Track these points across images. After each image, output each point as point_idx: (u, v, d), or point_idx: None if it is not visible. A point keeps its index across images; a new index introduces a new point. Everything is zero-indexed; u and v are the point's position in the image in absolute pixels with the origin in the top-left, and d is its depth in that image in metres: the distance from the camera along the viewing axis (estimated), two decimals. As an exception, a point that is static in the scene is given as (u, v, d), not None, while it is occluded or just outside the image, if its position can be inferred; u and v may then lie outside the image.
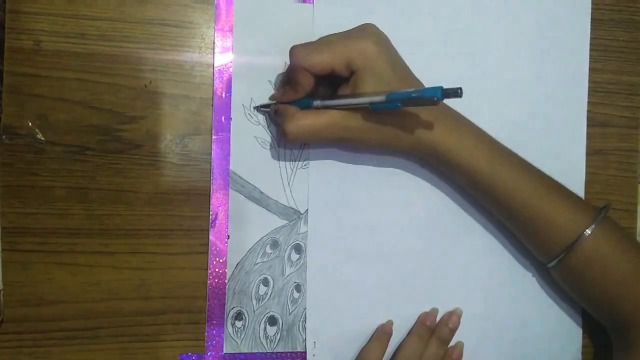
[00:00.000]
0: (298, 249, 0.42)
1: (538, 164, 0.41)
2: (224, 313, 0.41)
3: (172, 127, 0.41)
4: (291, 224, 0.42)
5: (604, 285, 0.39)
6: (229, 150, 0.41)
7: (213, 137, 0.41)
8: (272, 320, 0.42)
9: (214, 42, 0.41)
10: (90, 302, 0.40)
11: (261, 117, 0.42)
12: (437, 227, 0.44)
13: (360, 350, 0.43)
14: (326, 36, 0.38)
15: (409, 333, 0.43)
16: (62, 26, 0.39)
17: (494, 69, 0.45)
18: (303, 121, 0.37)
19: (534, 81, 0.45)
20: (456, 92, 0.33)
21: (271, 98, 0.41)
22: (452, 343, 0.44)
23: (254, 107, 0.41)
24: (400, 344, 0.43)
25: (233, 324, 0.42)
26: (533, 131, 0.45)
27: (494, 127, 0.41)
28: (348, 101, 0.36)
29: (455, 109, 0.40)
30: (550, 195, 0.39)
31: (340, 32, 0.38)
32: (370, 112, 0.36)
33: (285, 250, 0.42)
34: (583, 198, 0.45)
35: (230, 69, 0.41)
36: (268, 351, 0.42)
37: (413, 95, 0.34)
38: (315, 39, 0.38)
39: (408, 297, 0.44)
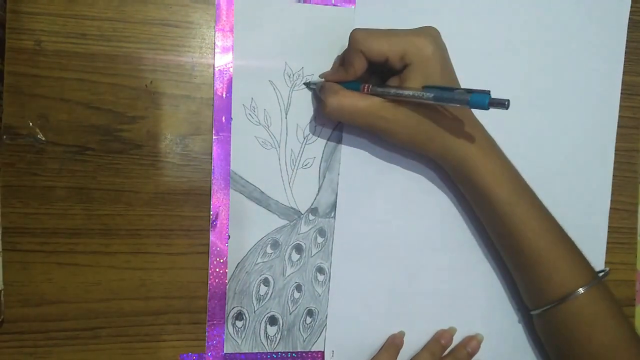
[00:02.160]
0: (299, 249, 0.42)
1: (563, 167, 0.41)
2: (224, 313, 0.41)
3: (173, 127, 0.41)
4: (292, 224, 0.42)
5: (584, 349, 0.38)
6: (230, 151, 0.41)
7: (213, 137, 0.41)
8: (273, 320, 0.42)
9: (214, 42, 0.41)
10: (90, 302, 0.40)
11: (261, 117, 0.42)
12: (464, 244, 0.44)
13: None
14: (389, 29, 0.38)
15: (422, 349, 0.43)
16: (63, 26, 0.39)
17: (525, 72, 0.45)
18: (345, 99, 0.38)
19: (563, 83, 0.46)
20: (502, 104, 0.32)
21: (321, 76, 0.41)
22: None
23: (302, 82, 0.41)
24: (412, 359, 0.43)
25: (233, 324, 0.42)
26: (562, 135, 0.46)
27: (520, 126, 0.42)
28: (394, 91, 0.37)
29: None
30: (557, 244, 0.39)
31: (403, 29, 0.38)
32: (410, 111, 0.37)
33: (286, 251, 0.42)
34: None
35: (231, 69, 0.41)
36: (268, 351, 0.42)
37: (457, 96, 0.34)
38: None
39: (426, 312, 0.44)
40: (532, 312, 0.41)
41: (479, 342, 0.44)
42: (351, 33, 0.37)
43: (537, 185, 0.44)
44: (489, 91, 0.33)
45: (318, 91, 0.41)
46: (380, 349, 0.43)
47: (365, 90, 0.38)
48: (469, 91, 0.34)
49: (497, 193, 0.39)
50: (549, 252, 0.39)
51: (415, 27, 0.38)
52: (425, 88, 0.36)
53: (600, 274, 0.40)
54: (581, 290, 0.38)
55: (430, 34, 0.37)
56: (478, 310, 0.45)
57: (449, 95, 0.34)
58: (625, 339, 0.38)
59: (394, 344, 0.43)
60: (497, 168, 0.39)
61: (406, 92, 0.36)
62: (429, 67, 0.36)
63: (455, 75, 0.39)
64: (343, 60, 0.39)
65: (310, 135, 0.42)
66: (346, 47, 0.39)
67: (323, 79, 0.41)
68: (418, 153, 0.42)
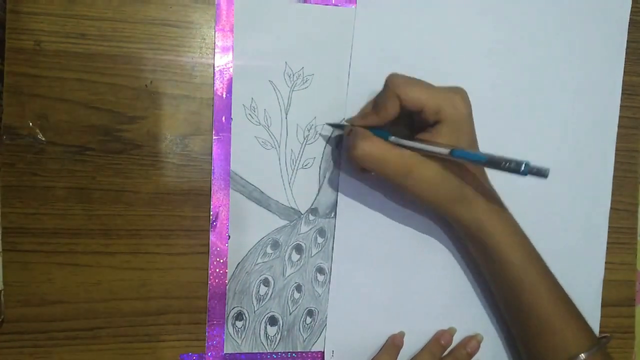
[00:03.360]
0: (299, 249, 0.42)
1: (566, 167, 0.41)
2: (224, 313, 0.41)
3: (173, 127, 0.41)
4: (292, 224, 0.42)
5: None
6: (230, 151, 0.41)
7: (213, 137, 0.41)
8: (273, 321, 0.42)
9: (214, 42, 0.41)
10: (90, 303, 0.40)
11: (261, 117, 0.42)
12: (463, 244, 0.44)
13: None
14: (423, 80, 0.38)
15: (422, 349, 0.44)
16: (63, 26, 0.39)
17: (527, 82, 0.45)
18: (376, 146, 0.36)
19: (563, 83, 0.46)
20: (541, 172, 0.31)
21: (347, 121, 0.41)
22: None
23: (326, 123, 0.41)
24: (412, 359, 0.43)
25: (233, 324, 0.42)
26: (562, 135, 0.46)
27: (521, 126, 0.42)
28: (426, 146, 0.36)
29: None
30: (563, 310, 0.39)
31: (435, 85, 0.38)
32: (438, 170, 0.36)
33: (286, 251, 0.42)
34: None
35: (231, 69, 0.41)
36: (268, 351, 0.42)
37: (503, 162, 0.32)
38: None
39: (426, 312, 0.44)
40: None
41: (479, 342, 0.44)
42: (388, 77, 0.37)
43: (538, 186, 0.44)
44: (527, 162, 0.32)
45: (347, 133, 0.40)
46: (380, 349, 0.43)
47: (393, 142, 0.37)
48: (509, 160, 0.32)
49: (510, 258, 0.39)
50: (554, 318, 0.39)
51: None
52: (455, 151, 0.35)
53: (602, 339, 0.39)
54: (583, 355, 0.38)
55: (464, 94, 0.37)
56: (478, 310, 0.45)
57: (488, 157, 0.33)
58: None
59: (393, 344, 0.43)
60: (510, 233, 0.39)
61: (439, 149, 0.35)
62: (463, 127, 0.36)
63: (476, 139, 0.39)
64: (374, 105, 0.39)
65: (311, 135, 0.42)
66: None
67: (348, 124, 0.40)
68: (435, 213, 0.42)
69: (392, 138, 0.37)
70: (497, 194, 0.40)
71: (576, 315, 0.40)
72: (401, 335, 0.43)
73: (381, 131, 0.37)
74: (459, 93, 0.37)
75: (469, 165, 0.38)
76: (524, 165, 0.31)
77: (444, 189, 0.37)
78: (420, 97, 0.36)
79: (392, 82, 0.37)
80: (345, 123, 0.41)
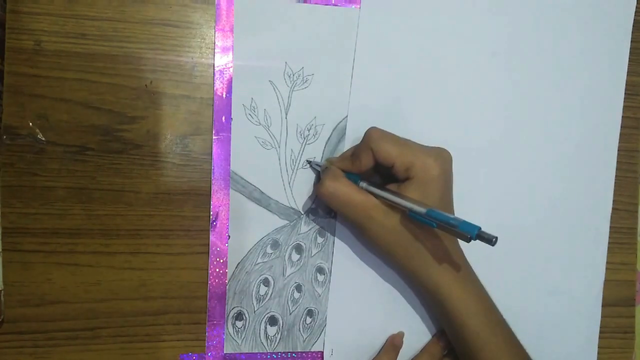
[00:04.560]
0: (299, 249, 0.42)
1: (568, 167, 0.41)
2: (224, 313, 0.41)
3: (173, 127, 0.41)
4: (292, 224, 0.42)
5: None
6: (230, 151, 0.41)
7: (213, 137, 0.41)
8: (273, 321, 0.42)
9: (214, 42, 0.41)
10: (90, 303, 0.40)
11: (262, 117, 0.42)
12: (463, 242, 0.44)
13: None
14: (404, 138, 0.38)
15: (421, 351, 0.44)
16: (63, 26, 0.39)
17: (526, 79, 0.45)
18: (342, 187, 0.38)
19: (568, 85, 0.46)
20: (490, 240, 0.32)
21: (327, 159, 0.42)
22: None
23: (306, 160, 0.42)
24: None
25: (233, 324, 0.42)
26: (564, 136, 0.46)
27: (523, 127, 0.42)
28: (390, 196, 0.37)
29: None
30: None
31: (417, 143, 0.38)
32: (398, 221, 0.37)
33: (286, 251, 0.42)
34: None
35: (231, 69, 0.41)
36: (268, 351, 0.42)
37: (451, 221, 0.33)
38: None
39: (426, 312, 0.44)
40: None
41: None
42: (367, 130, 0.38)
43: (539, 186, 0.44)
44: (479, 227, 0.33)
45: (321, 171, 0.41)
46: (380, 350, 0.43)
47: (362, 187, 0.38)
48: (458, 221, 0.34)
49: (469, 325, 0.38)
50: None
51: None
52: (419, 203, 0.36)
53: None
54: None
55: (441, 156, 0.37)
56: None
57: (442, 218, 0.34)
58: None
59: (393, 344, 0.43)
60: (471, 299, 0.39)
61: (401, 201, 0.36)
62: (429, 188, 0.36)
63: (452, 205, 0.39)
64: (353, 152, 0.39)
65: (311, 135, 0.42)
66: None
67: (326, 162, 0.41)
68: (394, 266, 0.42)
69: (362, 184, 0.38)
70: (464, 258, 0.40)
71: None
72: (400, 335, 0.43)
73: (354, 175, 0.39)
74: (433, 155, 0.37)
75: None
76: (474, 234, 0.32)
77: (403, 241, 0.38)
78: (392, 153, 0.37)
79: (369, 136, 0.38)
80: (324, 162, 0.42)
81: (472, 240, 0.33)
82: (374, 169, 0.39)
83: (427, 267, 0.38)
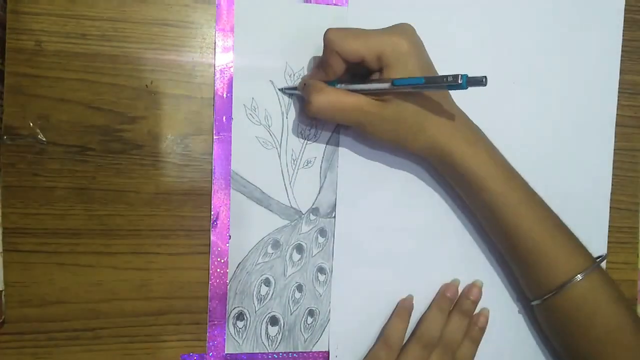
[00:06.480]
0: (299, 249, 0.42)
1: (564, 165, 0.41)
2: (225, 313, 0.41)
3: (173, 127, 0.41)
4: (292, 224, 0.42)
5: (587, 335, 0.38)
6: (230, 150, 0.41)
7: (214, 137, 0.41)
8: (274, 321, 0.42)
9: (215, 42, 0.41)
10: (91, 303, 0.40)
11: (262, 117, 0.42)
12: (463, 241, 0.44)
13: (383, 328, 0.43)
14: (363, 28, 0.38)
15: (430, 305, 0.43)
16: (63, 26, 0.39)
17: (525, 75, 0.45)
18: (331, 96, 0.37)
19: (562, 84, 0.46)
20: (480, 81, 0.32)
21: (301, 79, 0.41)
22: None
23: (278, 89, 0.41)
24: (421, 317, 0.43)
25: (234, 324, 0.42)
26: (560, 131, 0.46)
27: (519, 125, 0.43)
28: (369, 85, 0.36)
29: (478, 116, 0.40)
30: (552, 232, 0.39)
31: (378, 28, 0.38)
32: (393, 106, 0.36)
33: (287, 251, 0.42)
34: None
35: (232, 69, 0.41)
36: (270, 351, 0.42)
37: (442, 79, 0.33)
38: None
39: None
40: (533, 303, 0.41)
41: (480, 289, 0.43)
42: (325, 33, 0.37)
43: (537, 185, 0.44)
44: (465, 74, 0.33)
45: (301, 91, 0.40)
46: (392, 315, 0.43)
47: (342, 87, 0.37)
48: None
49: (487, 185, 0.38)
50: (544, 241, 0.38)
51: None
52: (395, 80, 0.35)
53: (598, 259, 0.39)
54: (579, 276, 0.38)
55: (404, 30, 0.37)
56: (479, 305, 0.44)
57: (440, 78, 0.34)
58: (627, 323, 0.38)
59: (404, 307, 0.42)
60: (485, 159, 0.39)
61: (380, 85, 0.36)
62: (407, 64, 0.36)
63: (435, 70, 0.39)
64: (321, 62, 0.39)
65: (311, 135, 0.42)
66: None
67: (301, 81, 0.40)
68: (403, 151, 0.42)
69: (339, 86, 0.38)
70: (471, 122, 0.40)
71: (568, 236, 0.40)
72: (410, 298, 0.43)
73: (331, 83, 0.38)
74: (396, 33, 0.36)
75: (429, 95, 0.37)
76: (461, 78, 0.32)
77: (405, 123, 0.37)
78: (358, 48, 0.36)
79: (329, 39, 0.36)
80: (299, 83, 0.41)
81: (463, 88, 0.33)
82: (351, 69, 0.38)
83: (435, 139, 0.38)
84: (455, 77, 0.33)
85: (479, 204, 0.40)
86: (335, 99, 0.37)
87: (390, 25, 0.37)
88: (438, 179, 0.44)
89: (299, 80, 0.41)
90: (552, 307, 0.40)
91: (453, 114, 0.39)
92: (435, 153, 0.39)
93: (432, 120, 0.38)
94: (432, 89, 0.35)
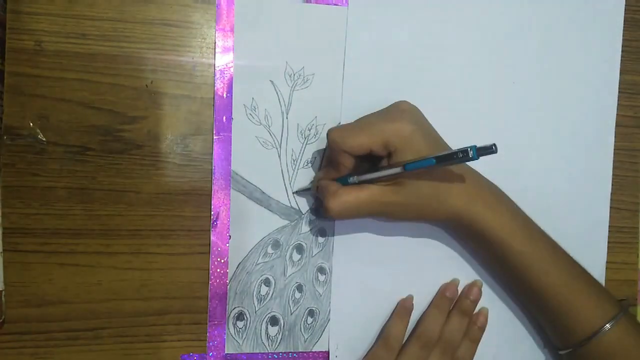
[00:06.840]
0: (299, 249, 0.42)
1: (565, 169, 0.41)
2: (225, 313, 0.41)
3: (173, 127, 0.41)
4: (292, 224, 0.42)
5: None
6: (230, 150, 0.41)
7: (214, 137, 0.41)
8: (274, 321, 0.42)
9: (215, 42, 0.41)
10: (91, 303, 0.40)
11: (262, 117, 0.42)
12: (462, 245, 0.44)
13: (383, 328, 0.43)
14: (362, 118, 0.38)
15: (429, 305, 0.43)
16: (63, 26, 0.39)
17: (525, 76, 0.45)
18: (345, 197, 0.37)
19: (562, 84, 0.46)
20: (490, 149, 0.32)
21: (315, 180, 0.41)
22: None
23: (292, 192, 0.42)
24: (421, 317, 0.43)
25: (234, 324, 0.42)
26: (560, 131, 0.46)
27: (519, 125, 0.42)
28: (381, 173, 0.36)
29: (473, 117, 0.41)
30: (576, 284, 0.39)
31: (375, 113, 0.38)
32: (407, 189, 0.36)
33: (287, 251, 0.42)
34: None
35: (232, 69, 0.41)
36: (270, 351, 0.42)
37: (452, 156, 0.33)
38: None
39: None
40: (561, 352, 0.41)
41: (480, 289, 0.44)
42: (327, 134, 0.37)
43: (537, 187, 0.44)
44: (474, 146, 0.33)
45: (315, 191, 0.41)
46: (392, 314, 0.43)
47: (355, 182, 0.38)
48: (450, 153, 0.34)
49: (511, 245, 0.38)
50: (570, 293, 0.38)
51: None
52: (407, 165, 0.35)
53: (623, 302, 0.39)
54: (608, 325, 0.38)
55: (403, 112, 0.37)
56: (479, 305, 0.44)
57: (430, 162, 0.34)
58: None
59: (404, 307, 0.43)
60: (506, 220, 0.39)
61: (392, 170, 0.36)
62: (414, 145, 0.36)
63: (439, 135, 0.39)
64: (330, 160, 0.39)
65: (311, 135, 0.42)
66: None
67: (315, 183, 0.41)
68: (430, 223, 0.42)
69: (352, 179, 0.38)
70: (488, 182, 0.40)
71: (592, 284, 0.39)
72: (410, 298, 0.43)
73: (343, 178, 0.38)
74: (397, 118, 0.37)
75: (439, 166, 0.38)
76: (471, 151, 0.32)
77: (423, 201, 0.37)
78: (362, 143, 0.36)
79: (332, 140, 0.37)
80: (312, 185, 0.42)
81: (475, 159, 0.32)
82: (360, 157, 0.38)
83: (457, 210, 0.38)
84: (465, 151, 0.32)
85: (504, 264, 0.40)
86: (351, 198, 0.37)
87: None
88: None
89: (312, 180, 0.42)
90: (582, 356, 0.39)
91: (469, 179, 0.39)
92: (458, 221, 0.39)
93: (449, 191, 0.38)
94: (443, 165, 0.35)
